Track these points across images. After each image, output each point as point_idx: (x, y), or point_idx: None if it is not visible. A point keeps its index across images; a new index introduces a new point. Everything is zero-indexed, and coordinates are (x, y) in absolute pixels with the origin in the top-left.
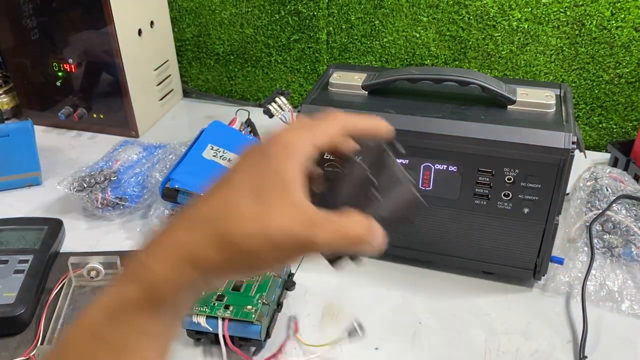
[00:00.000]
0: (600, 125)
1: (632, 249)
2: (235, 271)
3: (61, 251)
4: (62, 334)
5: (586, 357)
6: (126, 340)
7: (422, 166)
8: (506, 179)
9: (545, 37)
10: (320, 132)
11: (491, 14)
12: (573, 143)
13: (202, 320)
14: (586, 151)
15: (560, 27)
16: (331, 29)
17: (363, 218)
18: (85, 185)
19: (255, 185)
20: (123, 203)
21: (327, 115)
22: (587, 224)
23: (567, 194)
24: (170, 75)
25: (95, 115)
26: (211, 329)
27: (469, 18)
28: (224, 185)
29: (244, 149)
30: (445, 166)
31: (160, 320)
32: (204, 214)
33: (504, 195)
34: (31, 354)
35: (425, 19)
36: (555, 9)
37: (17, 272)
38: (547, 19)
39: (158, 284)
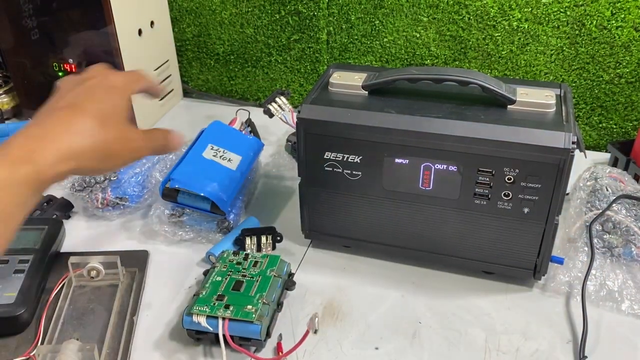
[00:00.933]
0: (600, 125)
1: (632, 249)
2: (99, 168)
3: (61, 251)
4: None
5: (586, 357)
6: (14, 208)
7: (422, 166)
8: (506, 179)
9: (545, 37)
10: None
11: (491, 14)
12: (573, 143)
13: (202, 320)
14: (586, 151)
15: (561, 27)
16: (331, 29)
17: (163, 130)
18: (85, 185)
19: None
20: (123, 203)
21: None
22: (587, 224)
23: (567, 194)
24: (170, 75)
25: None
26: (211, 329)
27: (469, 18)
28: (83, 108)
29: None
30: (445, 166)
31: (34, 198)
32: (85, 128)
33: (504, 195)
34: (31, 354)
35: (425, 19)
36: (555, 9)
37: (17, 272)
38: (547, 19)
39: (46, 168)
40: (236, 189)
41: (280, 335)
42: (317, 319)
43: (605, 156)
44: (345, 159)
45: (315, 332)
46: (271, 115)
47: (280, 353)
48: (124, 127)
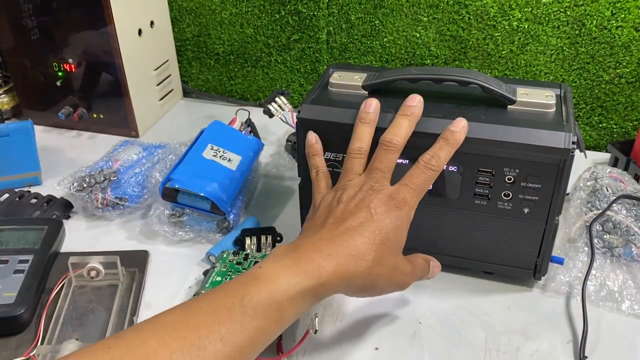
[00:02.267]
0: (601, 125)
1: (632, 249)
2: (359, 294)
3: (61, 251)
4: (235, 279)
5: (586, 357)
6: (291, 315)
7: None
8: (506, 179)
9: (545, 37)
10: None
11: (491, 13)
12: (573, 143)
13: None
14: (586, 151)
15: (561, 27)
16: (331, 28)
17: (425, 258)
18: (85, 185)
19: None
20: (123, 203)
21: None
22: (587, 224)
23: (567, 194)
24: (170, 75)
25: (95, 115)
26: None
27: (469, 18)
28: (379, 236)
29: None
30: (445, 166)
31: (305, 311)
32: (369, 248)
33: (504, 195)
34: (31, 354)
35: (425, 18)
36: (556, 9)
37: (17, 272)
38: (547, 18)
39: (327, 286)
40: (236, 189)
41: (280, 335)
42: (316, 318)
43: (605, 156)
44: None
45: (315, 332)
46: (271, 115)
47: (280, 353)
48: (398, 261)
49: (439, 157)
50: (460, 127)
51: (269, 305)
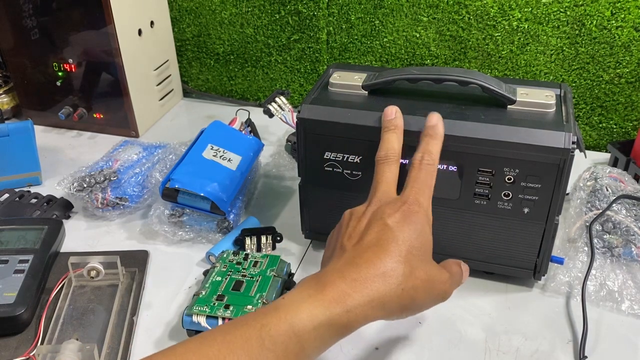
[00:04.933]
0: (600, 125)
1: (632, 249)
2: (402, 315)
3: (61, 251)
4: (254, 312)
5: (586, 357)
6: (314, 350)
7: None
8: (506, 179)
9: (545, 37)
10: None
11: (491, 14)
12: (573, 143)
13: (202, 320)
14: (586, 151)
15: (560, 27)
16: (331, 28)
17: (457, 263)
18: (85, 185)
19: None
20: (123, 203)
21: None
22: (587, 224)
23: (567, 194)
24: (170, 75)
25: (95, 115)
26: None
27: (469, 18)
28: (403, 247)
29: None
30: (445, 166)
31: (332, 343)
32: (396, 262)
33: (504, 195)
34: (31, 354)
35: (425, 18)
36: (555, 9)
37: (17, 272)
38: (547, 18)
39: (356, 314)
40: (236, 189)
41: None
42: None
43: (605, 156)
44: (345, 159)
45: None
46: (271, 115)
47: None
48: (431, 269)
49: (429, 152)
50: (436, 119)
51: (289, 337)
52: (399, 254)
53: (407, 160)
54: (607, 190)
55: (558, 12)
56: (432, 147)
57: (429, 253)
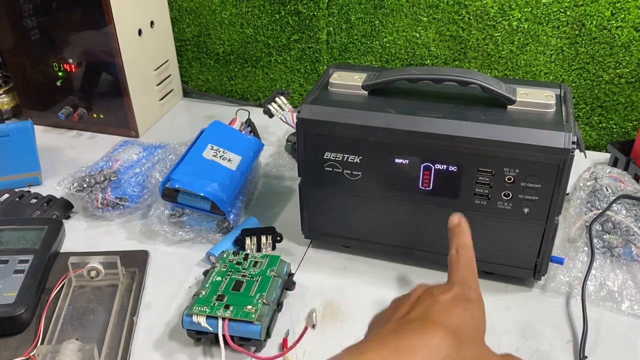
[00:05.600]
0: (600, 125)
1: (632, 249)
2: None
3: (61, 251)
4: None
5: (586, 357)
6: None
7: (422, 166)
8: (506, 179)
9: (545, 37)
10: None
11: (491, 14)
12: (573, 143)
13: (202, 320)
14: (586, 151)
15: (560, 27)
16: (331, 29)
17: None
18: (85, 185)
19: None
20: (123, 203)
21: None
22: (587, 224)
23: (567, 194)
24: (170, 75)
25: (95, 115)
26: (211, 329)
27: (469, 18)
28: (451, 320)
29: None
30: (445, 166)
31: None
32: (444, 345)
33: (504, 195)
34: (31, 354)
35: (425, 19)
36: (555, 9)
37: (17, 272)
38: (547, 19)
39: None
40: (236, 189)
41: (288, 331)
42: (314, 314)
43: (605, 156)
44: (345, 159)
45: (314, 326)
46: (271, 115)
47: (285, 349)
48: (482, 349)
49: (461, 245)
50: (457, 219)
51: None
52: (447, 326)
53: (407, 161)
54: (607, 190)
55: (558, 12)
56: (462, 240)
57: (481, 333)
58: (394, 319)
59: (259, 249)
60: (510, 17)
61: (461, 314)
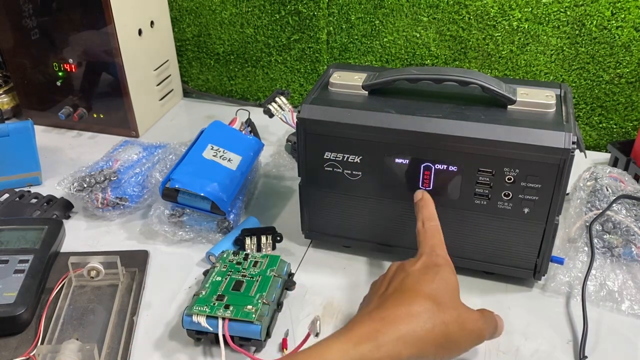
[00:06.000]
0: (600, 125)
1: (632, 249)
2: (441, 356)
3: (61, 251)
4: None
5: (586, 357)
6: None
7: (422, 166)
8: (506, 179)
9: (545, 37)
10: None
11: (491, 14)
12: (573, 143)
13: (202, 320)
14: (586, 151)
15: (561, 27)
16: (331, 28)
17: (491, 312)
18: (85, 185)
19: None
20: (123, 203)
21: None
22: (587, 224)
23: (567, 194)
24: (170, 75)
25: (95, 115)
26: (211, 329)
27: (469, 18)
28: (426, 287)
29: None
30: (445, 166)
31: None
32: (424, 309)
33: (504, 195)
34: (31, 354)
35: (425, 19)
36: (556, 9)
37: (17, 272)
38: (547, 19)
39: (387, 349)
40: (236, 189)
41: (287, 331)
42: (318, 322)
43: (605, 156)
44: (345, 159)
45: (317, 335)
46: (271, 115)
47: (285, 349)
48: (460, 307)
49: (427, 216)
50: (419, 194)
51: None
52: (423, 293)
53: (407, 161)
54: (607, 190)
55: (558, 12)
56: (427, 212)
57: (456, 294)
58: (375, 297)
59: (259, 249)
60: (511, 17)
61: (433, 279)
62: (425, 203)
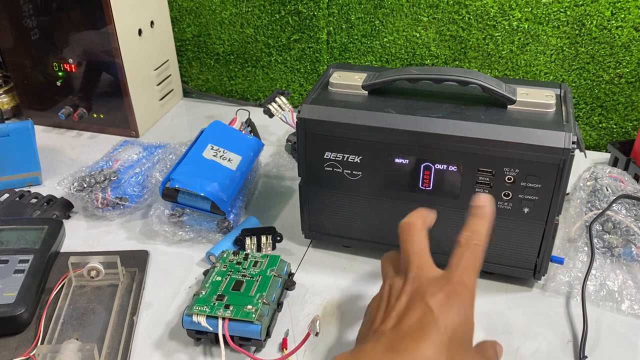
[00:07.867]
0: (600, 125)
1: (632, 249)
2: None
3: (61, 251)
4: None
5: (586, 357)
6: None
7: (422, 166)
8: (506, 179)
9: (545, 37)
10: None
11: (491, 13)
12: (573, 143)
13: (202, 320)
14: (586, 151)
15: (561, 27)
16: (331, 28)
17: (493, 344)
18: (85, 185)
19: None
20: (123, 203)
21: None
22: (587, 224)
23: (567, 194)
24: (170, 75)
25: (95, 115)
26: (211, 329)
27: (469, 18)
28: (445, 335)
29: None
30: (445, 166)
31: None
32: (438, 351)
33: (504, 195)
34: (31, 354)
35: (425, 18)
36: (556, 9)
37: (17, 272)
38: (547, 18)
39: None
40: (236, 189)
41: (287, 331)
42: (318, 321)
43: (605, 156)
44: (345, 159)
45: (317, 334)
46: (271, 115)
47: (285, 349)
48: (469, 357)
49: (477, 232)
50: (484, 200)
51: None
52: (440, 342)
53: (407, 161)
54: (607, 190)
55: (558, 12)
56: (480, 227)
57: (470, 340)
58: (387, 329)
59: (259, 249)
60: (511, 17)
61: (453, 323)
62: (484, 214)
